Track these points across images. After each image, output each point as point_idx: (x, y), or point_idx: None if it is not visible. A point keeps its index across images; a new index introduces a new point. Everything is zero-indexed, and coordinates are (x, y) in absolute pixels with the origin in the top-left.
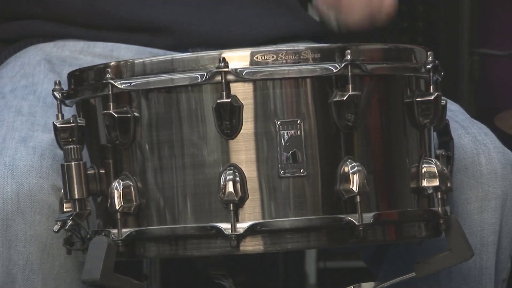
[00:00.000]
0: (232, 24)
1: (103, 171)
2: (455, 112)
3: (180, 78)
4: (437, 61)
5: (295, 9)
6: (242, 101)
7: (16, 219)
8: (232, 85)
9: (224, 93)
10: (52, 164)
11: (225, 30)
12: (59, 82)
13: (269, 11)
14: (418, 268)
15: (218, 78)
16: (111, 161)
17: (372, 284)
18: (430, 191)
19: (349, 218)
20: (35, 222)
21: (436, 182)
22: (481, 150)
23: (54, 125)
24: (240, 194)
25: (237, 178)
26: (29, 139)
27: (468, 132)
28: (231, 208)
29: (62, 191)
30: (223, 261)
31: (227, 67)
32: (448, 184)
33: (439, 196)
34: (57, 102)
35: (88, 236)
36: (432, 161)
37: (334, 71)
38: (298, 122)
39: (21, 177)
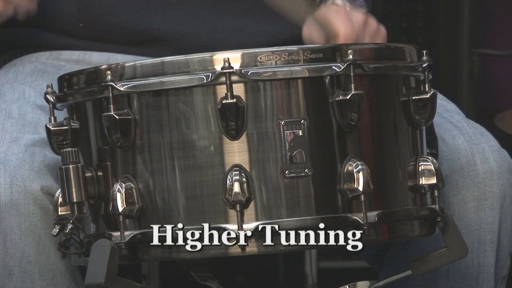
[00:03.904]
0: (231, 33)
1: (101, 174)
2: (451, 113)
3: (184, 79)
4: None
5: None
6: (246, 102)
7: (10, 211)
8: (236, 85)
9: (229, 93)
10: (43, 160)
11: (225, 39)
12: (52, 85)
13: (268, 19)
14: (414, 266)
15: (223, 79)
16: (109, 163)
17: (367, 283)
18: (427, 189)
19: (355, 217)
20: (29, 214)
21: (433, 180)
22: (476, 150)
23: (47, 128)
24: (246, 194)
25: (244, 179)
26: (20, 139)
27: (462, 132)
28: (238, 209)
29: (56, 195)
30: (207, 263)
31: (232, 68)
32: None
33: (436, 194)
34: (50, 105)
35: (87, 239)
36: (428, 159)
37: (338, 70)
38: (302, 122)
39: (13, 170)
